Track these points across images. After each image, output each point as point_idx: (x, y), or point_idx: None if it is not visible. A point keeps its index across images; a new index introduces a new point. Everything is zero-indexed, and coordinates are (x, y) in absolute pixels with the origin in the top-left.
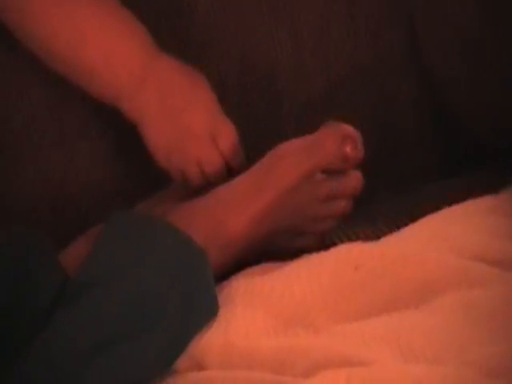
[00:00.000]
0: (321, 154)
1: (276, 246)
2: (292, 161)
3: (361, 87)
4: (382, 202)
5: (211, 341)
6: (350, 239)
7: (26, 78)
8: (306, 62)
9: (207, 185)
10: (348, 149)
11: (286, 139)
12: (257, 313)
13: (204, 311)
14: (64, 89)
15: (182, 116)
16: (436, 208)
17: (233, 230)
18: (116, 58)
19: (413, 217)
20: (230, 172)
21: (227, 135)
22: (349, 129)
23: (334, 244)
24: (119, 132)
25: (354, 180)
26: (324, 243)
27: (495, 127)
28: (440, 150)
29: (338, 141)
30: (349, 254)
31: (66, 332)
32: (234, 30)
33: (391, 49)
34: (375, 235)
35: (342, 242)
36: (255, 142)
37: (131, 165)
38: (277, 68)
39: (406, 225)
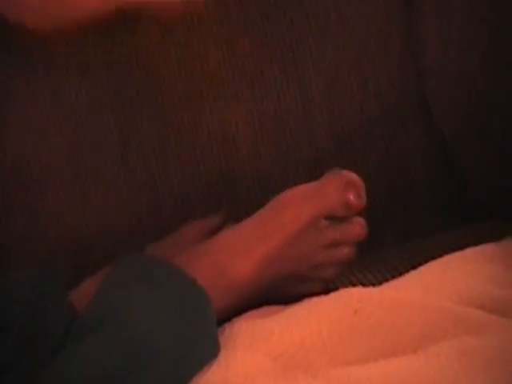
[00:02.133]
0: (324, 201)
1: (280, 291)
2: (296, 208)
3: (369, 141)
4: (386, 249)
5: (211, 381)
6: (353, 285)
7: (45, 124)
8: (314, 116)
9: None
10: (351, 196)
11: None
12: (256, 355)
13: (205, 352)
14: (80, 135)
15: None
16: (437, 255)
17: (236, 276)
18: None
19: (414, 263)
20: None
21: None
22: (351, 176)
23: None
24: (131, 176)
25: (358, 227)
26: (328, 289)
27: (498, 186)
28: (448, 204)
29: (340, 188)
30: (349, 299)
31: (67, 370)
32: (244, 84)
33: (399, 105)
34: (377, 281)
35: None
36: (264, 194)
37: (143, 209)
38: (285, 122)
39: (407, 271)
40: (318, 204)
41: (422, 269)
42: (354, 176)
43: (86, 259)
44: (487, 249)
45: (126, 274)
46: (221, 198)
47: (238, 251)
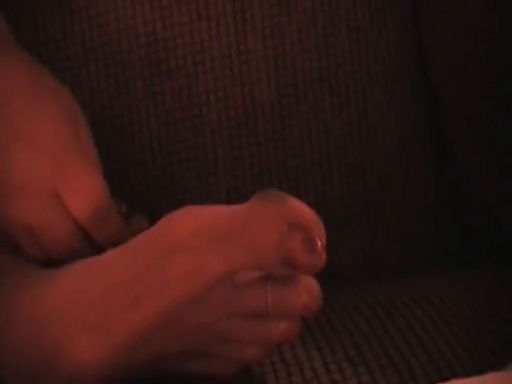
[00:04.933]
0: (248, 253)
1: (168, 371)
2: (197, 256)
3: (323, 97)
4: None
5: None
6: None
7: None
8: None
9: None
10: (297, 248)
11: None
12: None
13: None
14: None
15: (9, 158)
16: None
17: (80, 362)
18: None
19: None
20: (95, 244)
21: (80, 190)
22: (302, 210)
23: (262, 379)
24: None
25: (304, 294)
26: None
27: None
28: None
29: (279, 232)
30: None
31: None
32: None
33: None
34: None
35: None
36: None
37: None
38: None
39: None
40: (238, 255)
41: None
42: (306, 212)
43: None
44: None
45: None
46: None
47: (87, 324)
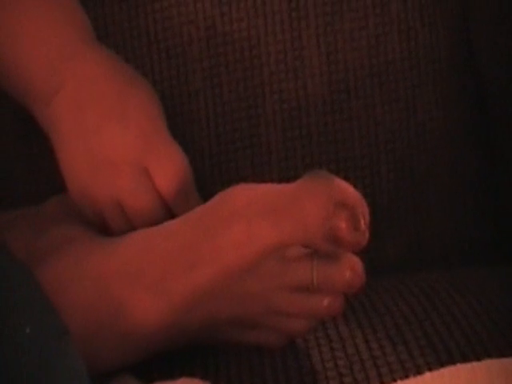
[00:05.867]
0: (296, 226)
1: (219, 337)
2: (250, 225)
3: (374, 93)
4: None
5: None
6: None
7: None
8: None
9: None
10: (342, 226)
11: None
12: None
13: None
14: None
15: (101, 135)
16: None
17: (142, 318)
18: (35, 50)
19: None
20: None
21: (167, 166)
22: (347, 191)
23: (307, 353)
24: None
25: (347, 270)
26: (295, 346)
27: None
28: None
29: (326, 209)
30: None
31: None
32: None
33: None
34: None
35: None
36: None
37: None
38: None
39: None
40: (287, 228)
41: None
42: (351, 192)
43: None
44: None
45: None
46: None
47: (148, 283)
